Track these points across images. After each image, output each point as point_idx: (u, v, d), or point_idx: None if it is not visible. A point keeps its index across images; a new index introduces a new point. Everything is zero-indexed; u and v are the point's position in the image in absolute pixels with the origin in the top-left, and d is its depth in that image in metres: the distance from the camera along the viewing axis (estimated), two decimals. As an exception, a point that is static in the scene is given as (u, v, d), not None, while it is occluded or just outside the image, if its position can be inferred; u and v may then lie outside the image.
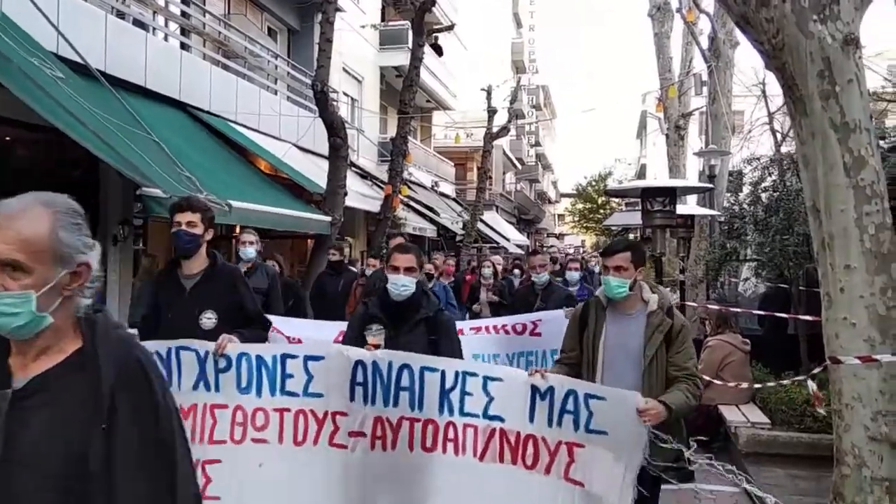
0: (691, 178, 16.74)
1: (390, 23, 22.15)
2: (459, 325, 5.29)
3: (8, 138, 10.07)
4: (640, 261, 3.76)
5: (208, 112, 12.07)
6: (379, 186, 17.46)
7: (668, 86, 14.95)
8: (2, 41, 6.26)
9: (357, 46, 19.84)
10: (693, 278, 10.62)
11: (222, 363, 3.56)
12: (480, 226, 25.12)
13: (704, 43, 13.70)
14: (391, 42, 21.34)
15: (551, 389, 3.34)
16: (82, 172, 10.93)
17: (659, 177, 31.67)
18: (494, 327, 6.11)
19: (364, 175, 19.03)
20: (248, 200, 9.38)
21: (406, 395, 3.43)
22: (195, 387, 3.54)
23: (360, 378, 3.45)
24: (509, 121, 24.01)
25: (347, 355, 3.50)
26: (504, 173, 41.92)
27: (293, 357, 3.56)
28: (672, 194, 6.58)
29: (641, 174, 49.65)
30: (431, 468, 3.41)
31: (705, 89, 14.14)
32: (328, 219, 11.39)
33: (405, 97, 14.53)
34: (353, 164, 17.94)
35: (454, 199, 28.88)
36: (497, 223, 33.00)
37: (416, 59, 14.50)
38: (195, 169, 8.87)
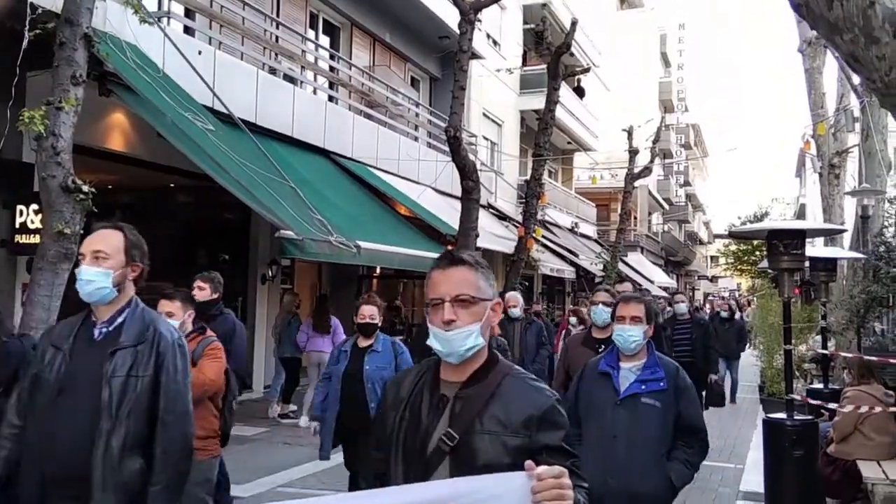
0: (848, 220, 15.77)
1: (529, 67, 22.49)
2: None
3: (172, 185, 11.15)
4: None
5: (350, 158, 12.77)
6: (516, 228, 17.66)
7: (818, 123, 14.24)
8: (160, 98, 7.02)
9: (497, 91, 20.30)
10: (837, 324, 9.99)
11: None
12: (623, 267, 24.68)
13: (857, 77, 12.99)
14: (531, 86, 21.63)
15: None
16: (235, 216, 11.88)
17: (817, 218, 29.89)
18: None
19: (502, 217, 19.30)
20: (379, 242, 9.83)
21: None
22: None
23: None
24: (651, 160, 23.62)
25: None
26: (650, 214, 41.02)
27: None
28: (801, 236, 6.28)
29: (801, 215, 46.99)
30: None
31: (857, 125, 13.37)
32: (460, 260, 11.67)
33: (540, 139, 14.72)
34: (490, 206, 18.27)
35: (595, 241, 28.57)
36: (641, 264, 32.26)
37: (552, 102, 14.69)
38: (332, 212, 9.44)
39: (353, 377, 5.39)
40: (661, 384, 3.59)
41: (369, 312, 5.56)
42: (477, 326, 1.99)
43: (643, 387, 3.59)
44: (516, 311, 8.34)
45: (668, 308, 12.83)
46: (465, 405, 1.98)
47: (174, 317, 4.22)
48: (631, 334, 3.66)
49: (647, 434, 3.51)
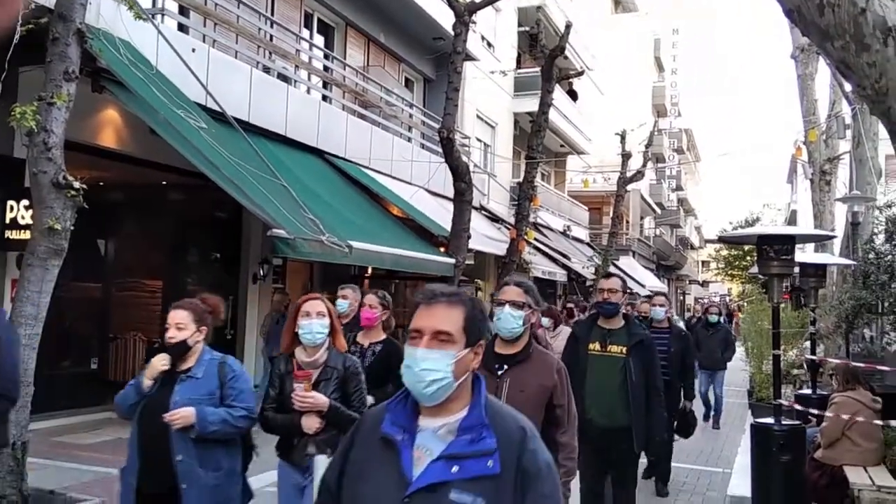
0: (838, 226, 15.86)
1: (522, 70, 22.53)
2: None
3: (164, 182, 11.11)
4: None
5: (343, 158, 12.76)
6: (508, 230, 17.66)
7: (809, 129, 14.32)
8: (153, 95, 7.01)
9: (491, 93, 20.32)
10: (826, 330, 10.05)
11: None
12: (614, 271, 24.74)
13: (849, 84, 13.07)
14: (525, 88, 21.68)
15: None
16: (227, 215, 11.86)
17: (808, 224, 30.05)
18: None
19: (494, 219, 19.32)
20: (371, 242, 9.82)
21: None
22: None
23: None
24: (644, 164, 23.67)
25: None
26: (642, 218, 41.11)
27: None
28: (790, 242, 6.31)
29: (792, 220, 47.17)
30: None
31: (849, 132, 13.46)
32: (451, 261, 11.67)
33: (533, 142, 14.74)
34: (483, 208, 18.28)
35: (587, 244, 28.62)
36: (633, 268, 32.33)
37: (545, 105, 14.69)
38: (325, 211, 9.43)
39: (154, 415, 3.57)
40: (489, 463, 1.83)
41: (176, 320, 3.71)
42: None
43: (455, 469, 1.83)
44: None
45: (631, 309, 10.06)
46: None
47: None
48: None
49: None
